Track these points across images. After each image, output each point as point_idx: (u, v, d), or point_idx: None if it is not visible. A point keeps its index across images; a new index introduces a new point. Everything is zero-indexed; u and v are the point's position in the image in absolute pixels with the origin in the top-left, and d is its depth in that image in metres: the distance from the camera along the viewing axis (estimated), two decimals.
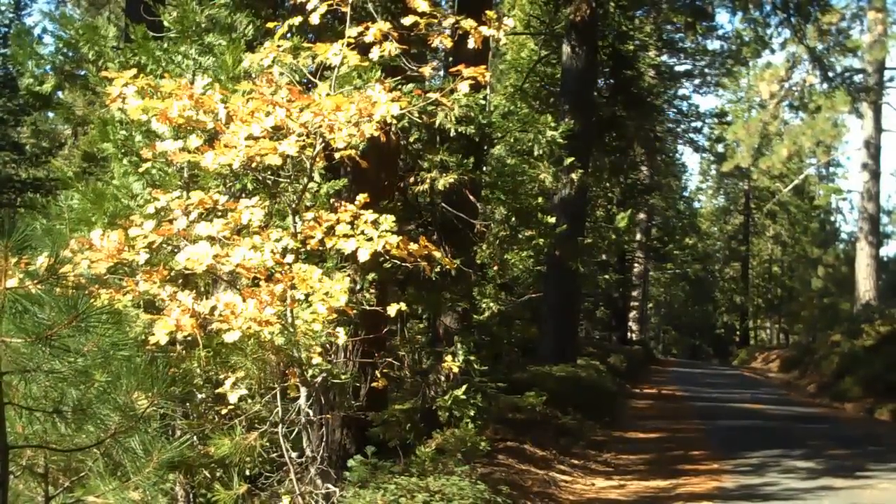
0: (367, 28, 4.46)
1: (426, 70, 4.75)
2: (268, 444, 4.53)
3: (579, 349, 17.60)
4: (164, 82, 4.42)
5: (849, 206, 55.06)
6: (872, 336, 19.15)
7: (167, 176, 5.32)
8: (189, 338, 4.09)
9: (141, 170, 5.12)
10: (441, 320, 9.04)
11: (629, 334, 32.11)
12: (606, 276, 22.64)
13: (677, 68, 26.21)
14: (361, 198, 4.59)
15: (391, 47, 4.45)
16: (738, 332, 45.74)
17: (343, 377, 5.31)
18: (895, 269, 29.37)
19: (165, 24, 6.06)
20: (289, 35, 4.80)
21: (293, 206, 4.66)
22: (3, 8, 19.20)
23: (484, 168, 9.09)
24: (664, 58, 25.32)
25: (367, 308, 5.43)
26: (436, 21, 4.75)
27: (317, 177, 5.87)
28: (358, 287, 6.41)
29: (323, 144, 4.43)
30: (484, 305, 10.05)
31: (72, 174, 6.18)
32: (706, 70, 25.84)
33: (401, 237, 4.41)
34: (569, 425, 11.00)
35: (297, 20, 4.62)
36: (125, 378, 3.09)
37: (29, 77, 7.48)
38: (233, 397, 4.34)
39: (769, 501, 7.67)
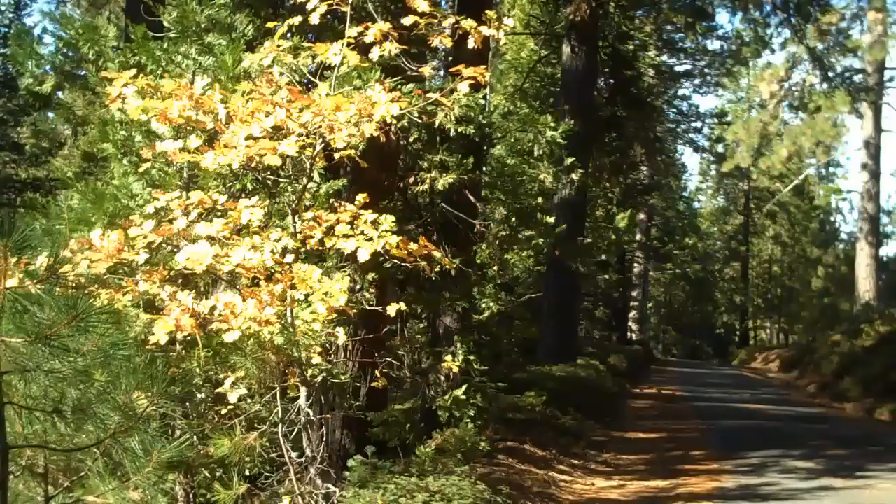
0: (367, 28, 4.46)
1: (426, 70, 4.76)
2: (268, 444, 4.53)
3: (579, 349, 17.60)
4: (164, 82, 4.42)
5: (849, 206, 55.11)
6: (872, 336, 19.15)
7: (167, 176, 5.32)
8: (189, 338, 4.09)
9: (141, 170, 5.12)
10: (441, 320, 9.04)
11: (629, 334, 32.12)
12: (606, 276, 22.65)
13: (677, 68, 26.18)
14: (361, 198, 4.59)
15: (391, 47, 4.45)
16: (737, 332, 45.78)
17: (343, 377, 5.31)
18: (895, 269, 29.37)
19: (165, 24, 6.06)
20: (289, 35, 4.80)
21: (293, 206, 4.66)
22: (3, 8, 19.21)
23: (484, 168, 9.10)
24: (664, 58, 25.29)
25: (367, 308, 5.43)
26: (436, 21, 4.75)
27: (316, 177, 5.87)
28: (358, 287, 6.42)
29: (323, 144, 4.44)
30: (484, 305, 10.05)
31: (72, 174, 6.19)
32: (706, 70, 25.80)
33: (401, 237, 4.41)
34: (569, 425, 11.00)
35: (297, 20, 4.62)
36: (125, 378, 3.09)
37: (29, 77, 7.48)
38: (233, 397, 4.34)
39: (769, 501, 7.67)
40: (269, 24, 4.79)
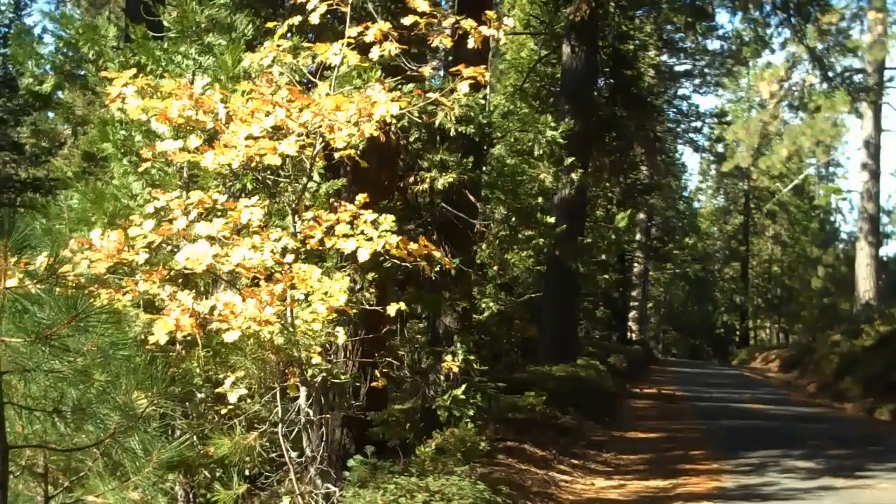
0: (367, 28, 4.46)
1: (426, 70, 4.75)
2: (268, 443, 4.53)
3: (579, 349, 17.60)
4: (163, 82, 4.42)
5: (849, 206, 55.07)
6: (872, 336, 19.14)
7: (167, 176, 5.32)
8: (189, 337, 4.08)
9: (141, 170, 5.12)
10: (441, 320, 9.04)
11: (629, 334, 32.12)
12: (606, 276, 22.61)
13: (677, 68, 26.20)
14: (361, 198, 4.59)
15: (391, 47, 4.45)
16: (737, 332, 45.76)
17: (343, 377, 5.31)
18: (895, 269, 29.36)
19: (165, 24, 6.06)
20: (289, 35, 4.80)
21: (293, 205, 4.66)
22: (3, 8, 19.20)
23: (484, 168, 9.10)
24: (664, 58, 25.30)
25: (367, 308, 5.43)
26: (436, 21, 4.75)
27: (316, 176, 5.87)
28: (357, 287, 6.41)
29: (323, 144, 4.43)
30: (484, 305, 10.05)
31: (72, 174, 6.19)
32: (706, 70, 25.82)
33: (401, 237, 4.41)
34: (569, 425, 11.00)
35: (296, 20, 4.62)
36: (125, 378, 3.09)
37: (29, 77, 7.48)
38: (232, 397, 4.34)
39: (769, 501, 7.67)
40: (269, 24, 4.79)
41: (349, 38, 4.52)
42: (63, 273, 2.91)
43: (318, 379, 4.65)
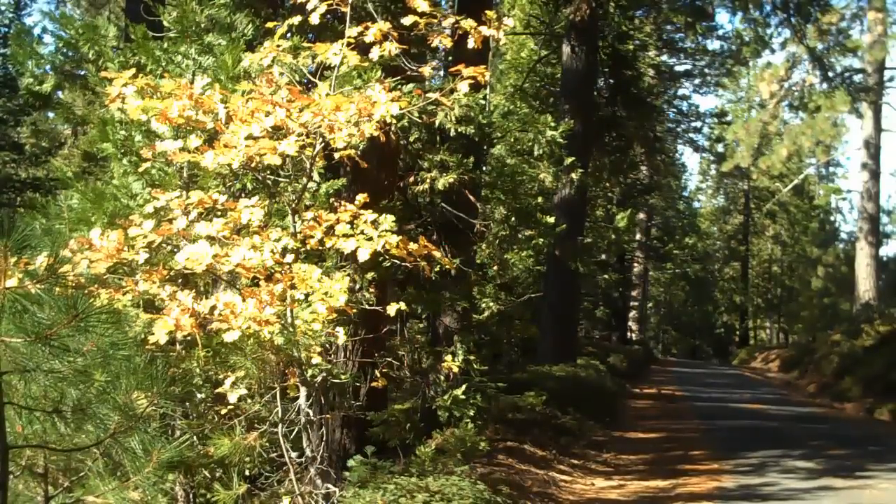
0: (367, 28, 4.46)
1: (426, 70, 4.75)
2: (268, 444, 4.53)
3: (579, 349, 17.60)
4: (163, 82, 4.42)
5: (849, 206, 55.05)
6: (872, 336, 19.14)
7: (167, 176, 5.32)
8: (189, 337, 4.08)
9: (141, 170, 5.12)
10: (441, 320, 9.04)
11: (629, 334, 32.13)
12: (606, 276, 22.64)
13: (677, 68, 26.21)
14: (361, 198, 4.59)
15: (391, 47, 4.46)
16: (737, 332, 45.78)
17: (343, 377, 5.30)
18: (895, 269, 29.35)
19: (165, 24, 6.06)
20: (289, 35, 4.80)
21: (293, 205, 4.66)
22: (3, 8, 19.20)
23: (484, 168, 9.10)
24: (664, 58, 25.30)
25: (367, 308, 5.43)
26: (436, 21, 4.75)
27: (316, 176, 5.87)
28: (357, 287, 6.42)
29: (323, 144, 4.44)
30: (484, 305, 10.05)
31: (72, 174, 6.18)
32: (706, 70, 25.83)
33: (400, 237, 4.41)
34: (569, 425, 11.00)
35: (296, 20, 4.63)
36: (125, 378, 3.09)
37: (29, 77, 7.47)
38: (232, 397, 4.34)
39: (769, 501, 7.67)
40: (269, 24, 4.79)
41: (349, 38, 4.52)
42: (63, 273, 2.92)
43: (318, 379, 4.65)
